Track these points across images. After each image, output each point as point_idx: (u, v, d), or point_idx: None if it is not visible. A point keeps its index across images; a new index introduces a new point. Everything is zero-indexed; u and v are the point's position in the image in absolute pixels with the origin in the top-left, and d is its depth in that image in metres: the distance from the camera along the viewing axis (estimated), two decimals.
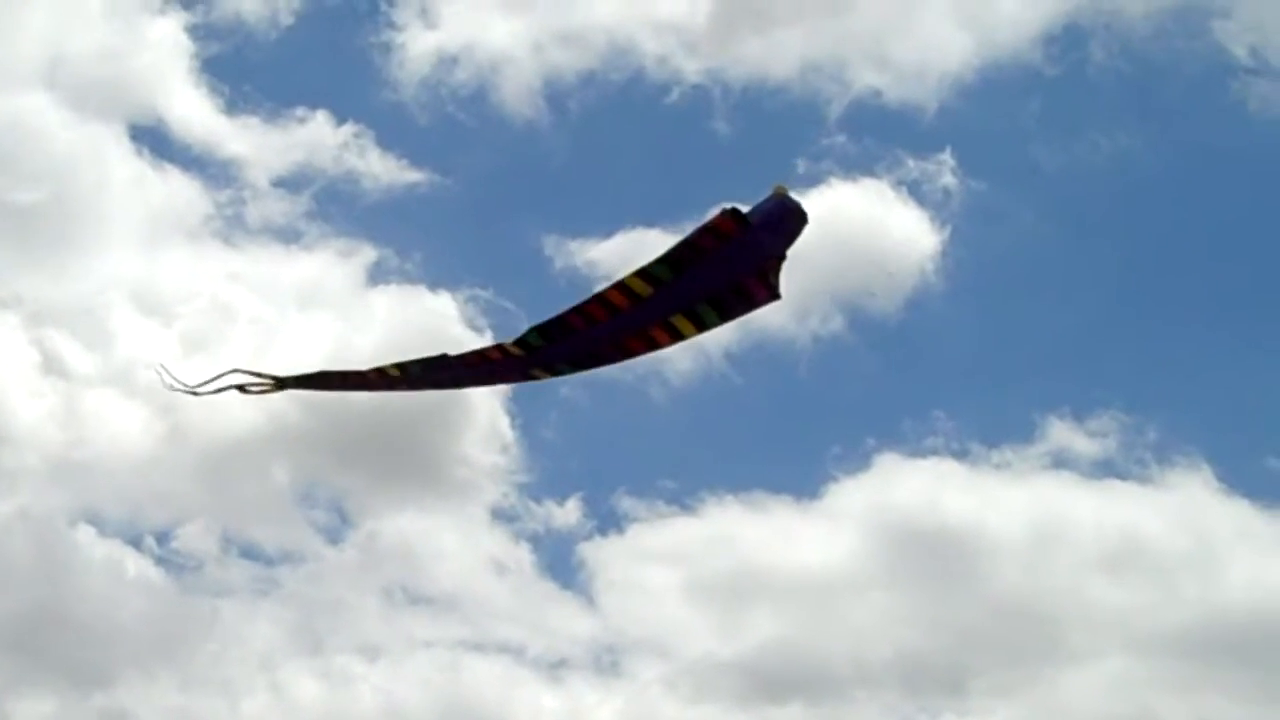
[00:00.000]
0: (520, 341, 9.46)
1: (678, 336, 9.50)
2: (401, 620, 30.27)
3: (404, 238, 34.26)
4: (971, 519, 29.25)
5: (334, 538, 30.11)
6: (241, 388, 9.96)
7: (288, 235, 32.33)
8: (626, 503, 30.94)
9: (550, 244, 32.94)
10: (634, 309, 9.25)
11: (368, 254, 32.09)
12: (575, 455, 33.58)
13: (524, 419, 32.51)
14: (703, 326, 9.48)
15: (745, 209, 9.13)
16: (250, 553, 29.56)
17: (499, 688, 29.00)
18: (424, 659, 29.97)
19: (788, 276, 9.94)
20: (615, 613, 30.58)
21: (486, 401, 30.82)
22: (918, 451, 31.21)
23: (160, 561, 29.45)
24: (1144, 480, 30.93)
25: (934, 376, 34.24)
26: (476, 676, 29.51)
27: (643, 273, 9.13)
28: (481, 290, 32.22)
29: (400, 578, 30.46)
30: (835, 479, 31.56)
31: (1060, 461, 31.16)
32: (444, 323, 31.60)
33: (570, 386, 34.16)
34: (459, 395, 30.52)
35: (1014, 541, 29.53)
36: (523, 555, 30.16)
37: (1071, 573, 29.48)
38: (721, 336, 33.59)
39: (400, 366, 9.74)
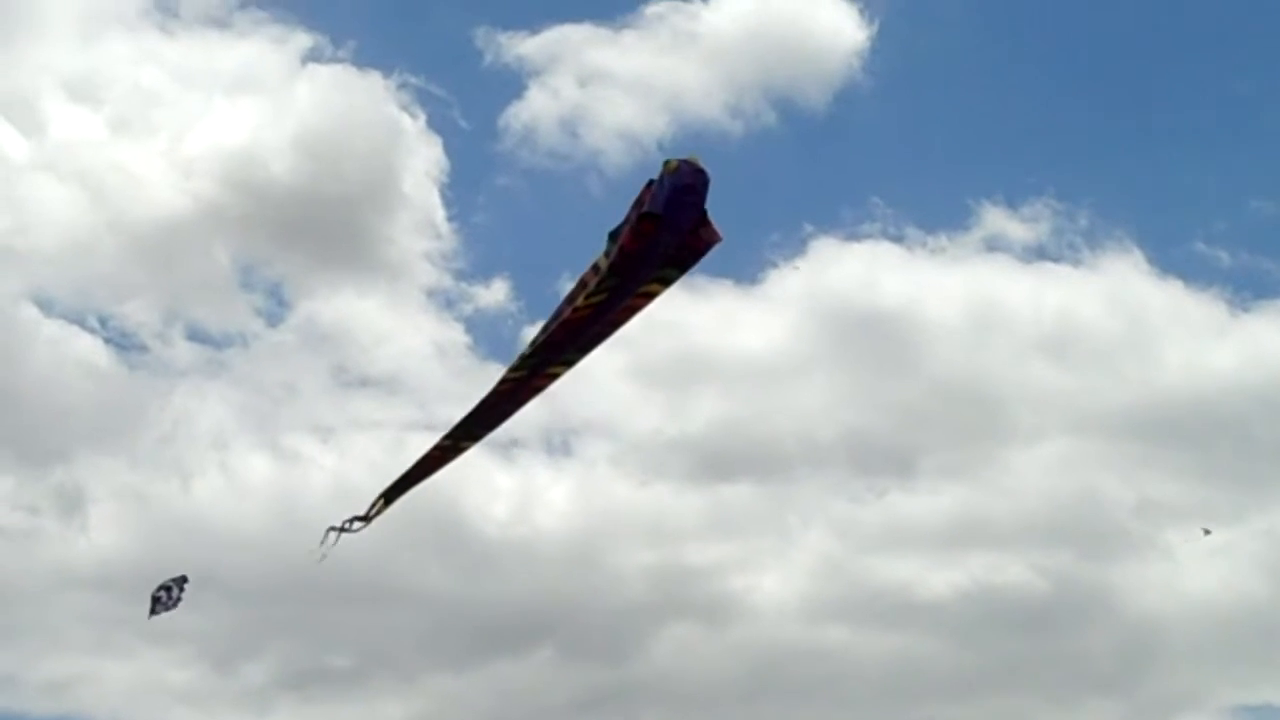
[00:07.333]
0: (523, 358, 11.86)
1: (655, 296, 11.36)
2: (349, 402, 30.67)
3: (337, 25, 33.70)
4: (910, 301, 30.14)
5: (273, 320, 30.32)
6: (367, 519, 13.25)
7: (221, 23, 31.73)
8: (568, 287, 31.18)
9: (480, 35, 32.65)
10: (611, 298, 11.12)
11: (301, 40, 31.59)
12: (511, 242, 33.79)
13: (459, 207, 32.34)
14: (669, 283, 11.19)
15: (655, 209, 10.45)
16: (195, 335, 29.69)
17: (452, 468, 29.46)
18: (373, 439, 30.44)
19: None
20: (563, 395, 31.14)
21: (422, 188, 30.51)
22: (854, 236, 31.98)
23: (108, 343, 29.50)
24: (1076, 263, 32.00)
25: (868, 166, 34.88)
26: None
27: (599, 282, 10.93)
28: (412, 77, 31.92)
29: (341, 360, 30.76)
30: (774, 264, 32.33)
31: (994, 246, 32.12)
32: (376, 103, 31.26)
33: (509, 177, 34.03)
34: (391, 178, 30.26)
35: (953, 323, 30.57)
36: (458, 338, 30.61)
37: (1011, 355, 30.68)
38: (655, 128, 33.49)
39: (461, 427, 12.52)
